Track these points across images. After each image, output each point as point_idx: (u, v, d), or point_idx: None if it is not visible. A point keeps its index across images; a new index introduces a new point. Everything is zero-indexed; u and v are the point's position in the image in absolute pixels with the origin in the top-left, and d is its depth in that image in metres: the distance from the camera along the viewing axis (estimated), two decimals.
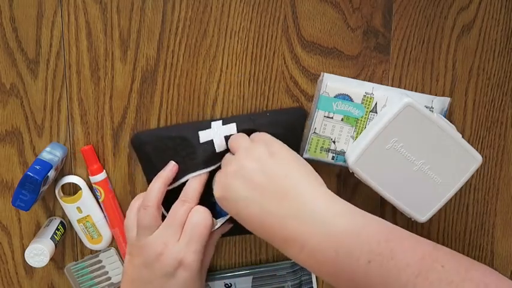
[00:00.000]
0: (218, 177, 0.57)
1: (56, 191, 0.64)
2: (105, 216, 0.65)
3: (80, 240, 0.66)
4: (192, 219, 0.57)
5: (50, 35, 0.61)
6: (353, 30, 0.63)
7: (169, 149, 0.61)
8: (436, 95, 0.63)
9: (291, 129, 0.62)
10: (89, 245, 0.65)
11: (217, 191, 0.56)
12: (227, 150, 0.60)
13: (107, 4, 0.61)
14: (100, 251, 0.66)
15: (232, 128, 0.61)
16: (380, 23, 0.63)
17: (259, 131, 0.60)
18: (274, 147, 0.56)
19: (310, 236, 0.50)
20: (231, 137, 0.60)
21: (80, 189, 0.64)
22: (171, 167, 0.60)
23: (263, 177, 0.53)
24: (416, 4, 0.63)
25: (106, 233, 0.65)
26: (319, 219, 0.50)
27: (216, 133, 0.61)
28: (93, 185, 0.63)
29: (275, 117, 0.62)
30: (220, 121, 0.61)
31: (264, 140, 0.57)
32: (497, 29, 0.64)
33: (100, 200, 0.64)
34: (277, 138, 0.60)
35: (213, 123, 0.61)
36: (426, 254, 0.46)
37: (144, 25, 0.62)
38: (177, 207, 0.58)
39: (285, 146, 0.57)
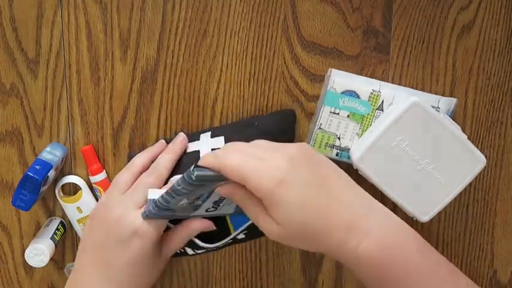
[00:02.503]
0: (272, 161, 0.49)
1: (56, 191, 0.64)
2: None
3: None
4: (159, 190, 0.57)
5: (50, 35, 0.61)
6: (353, 30, 0.63)
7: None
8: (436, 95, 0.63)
9: (281, 135, 0.62)
10: None
11: (275, 173, 0.49)
12: None
13: (107, 4, 0.61)
14: None
15: (220, 141, 0.60)
16: (380, 23, 0.63)
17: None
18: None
19: (377, 223, 0.51)
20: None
21: (80, 189, 0.64)
22: (181, 139, 0.61)
23: (330, 169, 0.52)
24: (416, 4, 0.63)
25: None
26: (383, 209, 0.52)
27: (203, 144, 0.61)
28: (93, 185, 0.63)
29: (264, 126, 0.61)
30: (209, 132, 0.61)
31: None
32: (497, 29, 0.64)
33: None
34: None
35: (202, 135, 0.61)
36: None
37: (144, 25, 0.62)
38: (143, 176, 0.58)
39: None
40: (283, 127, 0.62)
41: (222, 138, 0.60)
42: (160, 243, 0.58)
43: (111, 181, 0.64)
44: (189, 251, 0.62)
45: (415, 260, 0.50)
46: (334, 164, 0.53)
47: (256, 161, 0.49)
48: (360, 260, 0.50)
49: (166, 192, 0.51)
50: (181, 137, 0.61)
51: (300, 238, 0.51)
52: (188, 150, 0.61)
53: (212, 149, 0.60)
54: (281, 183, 0.49)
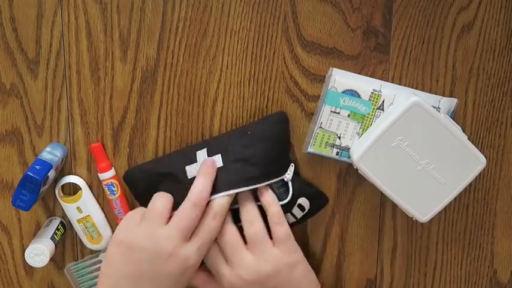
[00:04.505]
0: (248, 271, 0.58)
1: (56, 191, 0.64)
2: (106, 216, 0.65)
3: (80, 240, 0.66)
4: (208, 225, 0.58)
5: (50, 35, 0.61)
6: (353, 30, 0.63)
7: (160, 183, 0.61)
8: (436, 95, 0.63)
9: (276, 138, 0.62)
10: (89, 245, 0.65)
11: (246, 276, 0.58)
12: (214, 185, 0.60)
13: (107, 4, 0.61)
14: (100, 251, 0.66)
15: (218, 160, 0.60)
16: (380, 23, 0.63)
17: (246, 158, 0.59)
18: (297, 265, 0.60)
19: None
20: (248, 224, 0.60)
21: (80, 189, 0.64)
22: (211, 163, 0.60)
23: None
24: (416, 4, 0.63)
25: (106, 233, 0.65)
26: None
27: None
28: (108, 181, 0.63)
29: (257, 134, 0.61)
30: (205, 150, 0.61)
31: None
32: (497, 29, 0.64)
33: (116, 195, 0.63)
34: (264, 152, 0.60)
35: (198, 153, 0.61)
36: None
37: (144, 25, 0.62)
38: (187, 209, 0.57)
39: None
40: (277, 132, 0.62)
41: (219, 156, 0.60)
42: None
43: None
44: None
45: None
46: (295, 283, 0.59)
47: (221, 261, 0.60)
48: None
49: None
50: (211, 161, 0.60)
51: None
52: (189, 176, 0.61)
53: None
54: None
